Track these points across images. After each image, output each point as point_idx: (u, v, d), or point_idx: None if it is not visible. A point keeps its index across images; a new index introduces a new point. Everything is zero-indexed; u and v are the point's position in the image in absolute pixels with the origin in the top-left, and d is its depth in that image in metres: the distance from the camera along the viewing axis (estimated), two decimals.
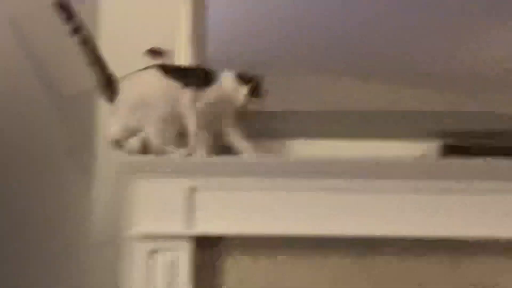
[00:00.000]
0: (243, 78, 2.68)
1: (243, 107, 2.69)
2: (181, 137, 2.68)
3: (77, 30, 2.64)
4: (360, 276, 2.73)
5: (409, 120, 2.83)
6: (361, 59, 2.85)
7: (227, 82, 2.69)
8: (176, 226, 2.63)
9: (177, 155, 2.63)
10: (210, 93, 2.67)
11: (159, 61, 2.78)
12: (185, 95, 2.67)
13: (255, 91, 2.68)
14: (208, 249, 2.72)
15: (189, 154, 2.63)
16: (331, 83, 2.82)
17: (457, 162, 2.66)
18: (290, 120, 2.82)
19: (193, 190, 2.64)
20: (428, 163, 2.71)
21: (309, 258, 2.72)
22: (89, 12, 2.85)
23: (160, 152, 2.65)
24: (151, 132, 2.66)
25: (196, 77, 2.69)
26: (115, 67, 2.75)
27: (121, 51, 2.83)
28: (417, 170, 2.64)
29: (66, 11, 2.63)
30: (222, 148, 2.72)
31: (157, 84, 2.68)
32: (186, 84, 2.67)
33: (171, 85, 2.67)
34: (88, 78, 2.67)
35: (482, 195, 2.63)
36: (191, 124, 2.66)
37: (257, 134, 2.74)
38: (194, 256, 2.65)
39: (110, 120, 2.70)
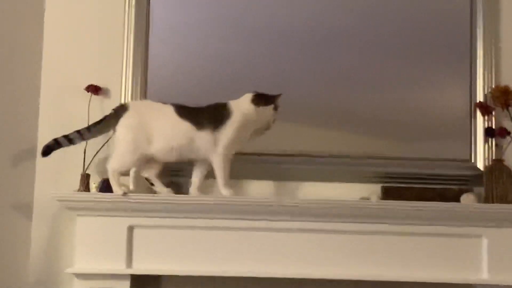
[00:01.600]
0: (261, 99, 2.67)
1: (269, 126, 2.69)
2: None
3: (81, 138, 2.65)
4: None
5: (353, 164, 2.84)
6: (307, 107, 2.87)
7: (244, 110, 2.65)
8: (115, 265, 2.62)
9: (118, 192, 2.59)
10: (231, 130, 2.62)
11: (97, 95, 2.79)
12: (218, 147, 2.62)
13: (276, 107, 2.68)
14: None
15: (126, 193, 2.60)
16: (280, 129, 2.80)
17: (391, 204, 2.66)
18: (241, 161, 2.78)
19: (131, 228, 2.64)
20: (355, 204, 2.67)
21: None
22: (33, 46, 2.87)
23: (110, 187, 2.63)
24: (120, 166, 2.62)
25: (209, 116, 2.63)
26: (58, 102, 2.82)
27: (64, 86, 2.84)
28: (348, 211, 2.64)
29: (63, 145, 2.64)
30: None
31: (172, 123, 2.63)
32: (201, 125, 2.62)
33: (187, 126, 2.62)
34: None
35: (416, 237, 2.64)
36: (223, 171, 2.62)
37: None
38: None
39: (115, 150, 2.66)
